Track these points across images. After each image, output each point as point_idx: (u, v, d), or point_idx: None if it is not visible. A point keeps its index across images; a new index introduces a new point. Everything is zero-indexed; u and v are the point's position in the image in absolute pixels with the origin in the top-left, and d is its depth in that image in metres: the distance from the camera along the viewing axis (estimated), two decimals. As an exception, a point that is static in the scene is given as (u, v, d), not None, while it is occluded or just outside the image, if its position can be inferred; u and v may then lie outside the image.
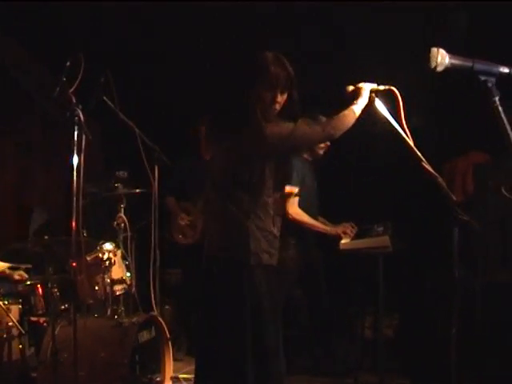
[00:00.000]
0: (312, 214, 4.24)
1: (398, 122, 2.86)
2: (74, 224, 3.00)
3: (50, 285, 3.63)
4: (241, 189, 2.92)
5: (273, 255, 2.98)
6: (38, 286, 3.79)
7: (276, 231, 3.00)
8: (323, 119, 3.39)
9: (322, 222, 4.36)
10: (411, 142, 2.81)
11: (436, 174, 2.73)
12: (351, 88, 3.16)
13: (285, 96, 2.92)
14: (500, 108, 1.62)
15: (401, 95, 2.88)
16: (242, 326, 2.84)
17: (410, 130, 2.82)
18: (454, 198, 2.72)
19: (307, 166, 4.30)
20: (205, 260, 3.00)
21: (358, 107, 3.04)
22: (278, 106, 2.92)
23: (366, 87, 3.05)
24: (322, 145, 4.22)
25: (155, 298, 4.09)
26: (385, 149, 4.48)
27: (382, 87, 3.06)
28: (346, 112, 3.04)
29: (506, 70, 1.68)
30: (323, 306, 4.39)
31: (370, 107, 3.10)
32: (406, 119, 2.82)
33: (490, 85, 1.64)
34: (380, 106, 3.05)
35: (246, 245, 2.88)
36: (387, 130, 2.92)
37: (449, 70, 1.67)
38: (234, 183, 2.94)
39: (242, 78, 3.02)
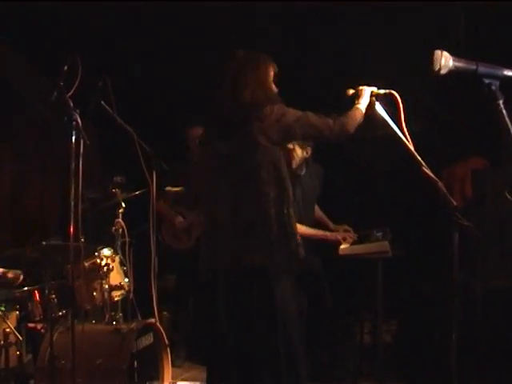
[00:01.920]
0: (309, 217, 4.23)
1: (398, 126, 2.86)
2: (71, 229, 2.98)
3: (47, 291, 3.60)
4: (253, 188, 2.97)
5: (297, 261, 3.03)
6: (36, 291, 3.75)
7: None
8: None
9: (323, 221, 4.37)
10: (411, 147, 2.80)
11: (436, 179, 2.72)
12: (352, 91, 3.16)
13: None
14: (504, 111, 1.61)
15: (401, 99, 2.88)
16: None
17: (409, 135, 2.82)
18: (454, 203, 2.72)
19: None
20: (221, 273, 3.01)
21: (362, 106, 3.07)
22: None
23: (367, 89, 3.07)
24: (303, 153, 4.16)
25: (156, 304, 4.05)
26: (384, 153, 4.47)
27: (382, 91, 3.07)
28: (353, 110, 3.09)
29: (510, 73, 1.67)
30: (326, 312, 4.35)
31: (370, 111, 3.11)
32: (406, 123, 2.82)
33: (493, 88, 1.63)
34: (380, 110, 3.05)
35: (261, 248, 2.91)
36: (387, 134, 2.91)
37: (452, 72, 1.66)
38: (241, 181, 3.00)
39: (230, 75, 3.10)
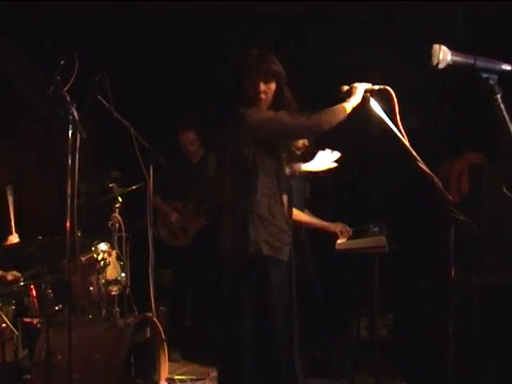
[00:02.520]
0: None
1: (393, 122, 2.86)
2: (67, 224, 2.97)
3: (43, 286, 3.59)
4: (239, 179, 3.09)
5: (277, 248, 3.05)
6: (32, 286, 3.75)
7: (284, 227, 3.11)
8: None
9: (316, 223, 4.35)
10: (407, 142, 2.80)
11: (432, 174, 2.72)
12: (346, 88, 3.16)
13: (271, 86, 3.10)
14: (502, 105, 1.61)
15: (396, 95, 2.87)
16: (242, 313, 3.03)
17: (405, 131, 2.81)
18: (450, 198, 2.72)
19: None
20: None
21: (349, 105, 3.08)
22: (263, 96, 3.10)
23: (361, 87, 3.06)
24: (300, 144, 4.16)
25: (154, 299, 4.05)
26: (380, 149, 4.46)
27: (376, 87, 3.06)
28: (335, 107, 3.08)
29: (508, 67, 1.66)
30: (318, 308, 4.36)
31: (364, 106, 3.10)
32: (401, 119, 2.81)
33: (491, 82, 1.62)
34: (375, 106, 3.04)
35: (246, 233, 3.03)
36: (382, 129, 2.91)
37: (450, 67, 1.65)
38: (233, 174, 3.14)
39: (231, 77, 3.22)
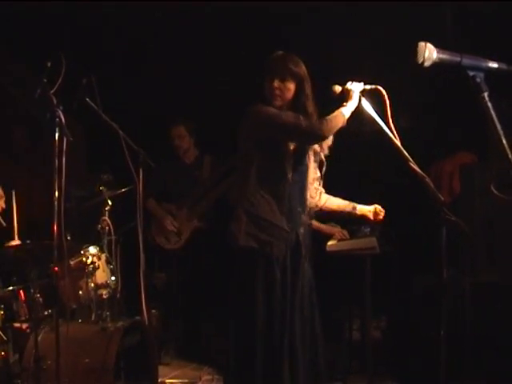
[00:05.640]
0: None
1: (384, 122, 2.84)
2: (55, 227, 2.94)
3: (32, 290, 3.56)
4: (240, 174, 3.18)
5: (263, 242, 3.06)
6: (21, 291, 3.71)
7: (277, 220, 3.10)
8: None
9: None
10: (398, 142, 2.79)
11: (423, 174, 2.71)
12: (338, 88, 3.13)
13: (288, 85, 3.10)
14: (489, 104, 1.59)
15: (388, 95, 2.86)
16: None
17: (397, 130, 2.80)
18: (442, 198, 2.70)
19: None
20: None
21: (347, 110, 3.07)
22: (278, 92, 3.11)
23: (355, 89, 3.05)
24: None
25: (145, 302, 4.02)
26: (371, 149, 4.46)
27: (368, 86, 3.04)
28: (336, 114, 3.07)
29: (494, 64, 1.64)
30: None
31: (356, 107, 3.08)
32: (393, 119, 2.80)
33: (478, 80, 1.60)
34: (366, 106, 3.03)
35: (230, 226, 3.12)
36: (374, 129, 2.90)
37: (436, 65, 1.63)
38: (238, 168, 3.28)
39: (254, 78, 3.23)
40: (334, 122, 3.05)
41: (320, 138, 3.13)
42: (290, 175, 3.14)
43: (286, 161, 3.14)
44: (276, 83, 3.10)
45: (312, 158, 3.28)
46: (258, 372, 3.00)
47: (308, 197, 3.27)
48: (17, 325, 3.74)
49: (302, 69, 3.15)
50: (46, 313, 3.68)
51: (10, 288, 3.74)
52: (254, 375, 3.00)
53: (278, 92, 3.12)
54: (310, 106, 3.15)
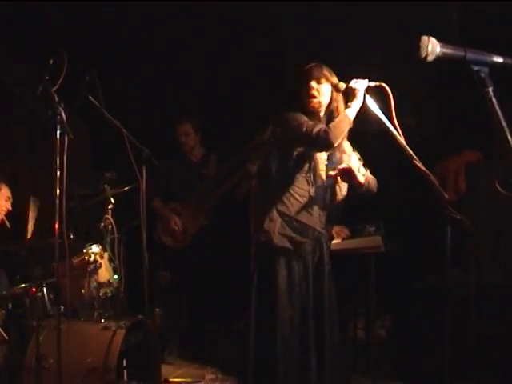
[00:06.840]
0: None
1: (389, 119, 2.81)
2: (57, 226, 2.92)
3: (35, 289, 3.55)
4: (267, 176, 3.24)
5: (294, 241, 3.12)
6: (33, 289, 3.69)
7: (307, 220, 3.16)
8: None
9: None
10: (403, 140, 2.76)
11: (428, 172, 2.68)
12: (343, 85, 3.11)
13: (324, 88, 3.15)
14: (494, 99, 1.55)
15: (392, 92, 2.83)
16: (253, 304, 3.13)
17: (401, 128, 2.77)
18: (447, 197, 2.68)
19: None
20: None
21: (352, 111, 3.05)
22: (315, 93, 3.15)
23: (360, 88, 3.01)
24: None
25: (148, 301, 4.00)
26: (376, 147, 4.42)
27: (372, 83, 3.01)
28: (341, 118, 3.04)
29: (499, 59, 1.61)
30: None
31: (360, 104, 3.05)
32: (397, 117, 2.77)
33: (483, 75, 1.57)
34: (371, 103, 3.00)
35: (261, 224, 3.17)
36: (379, 128, 2.86)
37: (440, 59, 1.60)
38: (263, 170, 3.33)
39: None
40: (340, 128, 3.04)
41: (328, 147, 3.11)
42: (312, 178, 3.19)
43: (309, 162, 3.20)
44: (313, 84, 3.14)
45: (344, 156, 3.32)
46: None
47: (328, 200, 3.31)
48: (19, 323, 3.72)
49: (335, 79, 3.19)
50: (48, 311, 3.67)
51: (23, 285, 3.73)
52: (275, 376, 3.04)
53: (315, 93, 3.14)
54: (335, 115, 3.17)
